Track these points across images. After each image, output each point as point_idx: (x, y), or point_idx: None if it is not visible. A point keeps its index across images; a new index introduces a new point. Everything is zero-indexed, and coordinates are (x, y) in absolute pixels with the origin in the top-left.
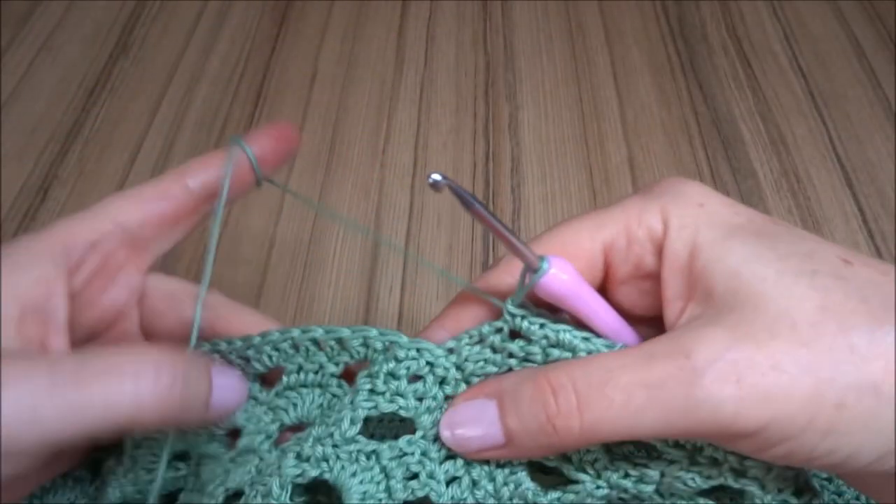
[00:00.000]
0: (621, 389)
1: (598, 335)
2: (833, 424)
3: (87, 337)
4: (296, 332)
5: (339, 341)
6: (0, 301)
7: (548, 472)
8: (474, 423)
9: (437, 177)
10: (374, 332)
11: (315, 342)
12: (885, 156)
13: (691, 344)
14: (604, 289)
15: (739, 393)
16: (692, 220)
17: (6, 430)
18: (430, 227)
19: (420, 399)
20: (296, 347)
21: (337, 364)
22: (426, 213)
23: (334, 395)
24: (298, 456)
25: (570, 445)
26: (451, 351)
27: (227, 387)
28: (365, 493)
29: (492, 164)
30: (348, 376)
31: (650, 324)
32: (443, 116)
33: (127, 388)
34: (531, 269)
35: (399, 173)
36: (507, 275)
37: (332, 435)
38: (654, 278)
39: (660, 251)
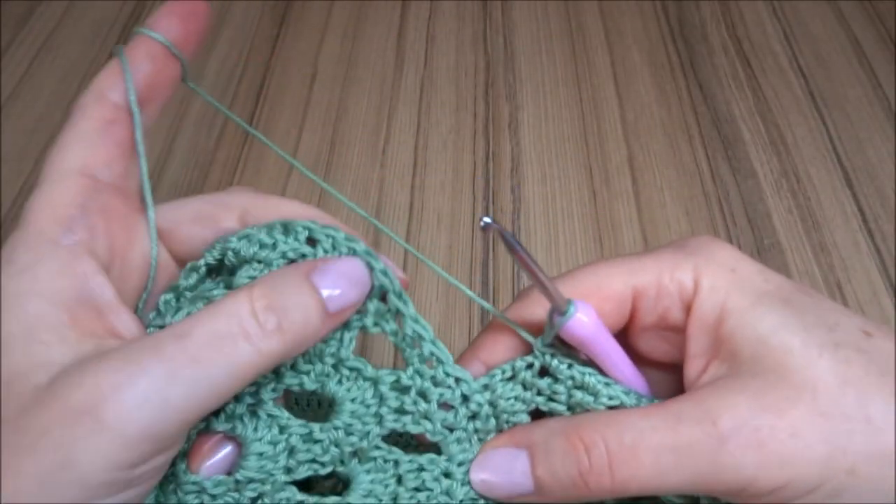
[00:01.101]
0: (651, 451)
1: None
2: (843, 487)
3: (139, 295)
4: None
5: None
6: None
7: None
8: (505, 471)
9: (487, 220)
10: (428, 336)
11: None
12: (885, 156)
13: (717, 409)
14: (625, 332)
15: (760, 458)
16: (724, 283)
17: (150, 426)
18: (430, 227)
19: (450, 429)
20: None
21: (375, 325)
22: (426, 213)
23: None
24: (312, 460)
25: (599, 497)
26: (486, 387)
27: (339, 281)
28: (371, 491)
29: (492, 164)
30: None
31: (664, 370)
32: (443, 116)
33: (242, 349)
34: (558, 312)
35: (399, 173)
36: (538, 306)
37: (352, 444)
38: (677, 331)
39: (686, 307)
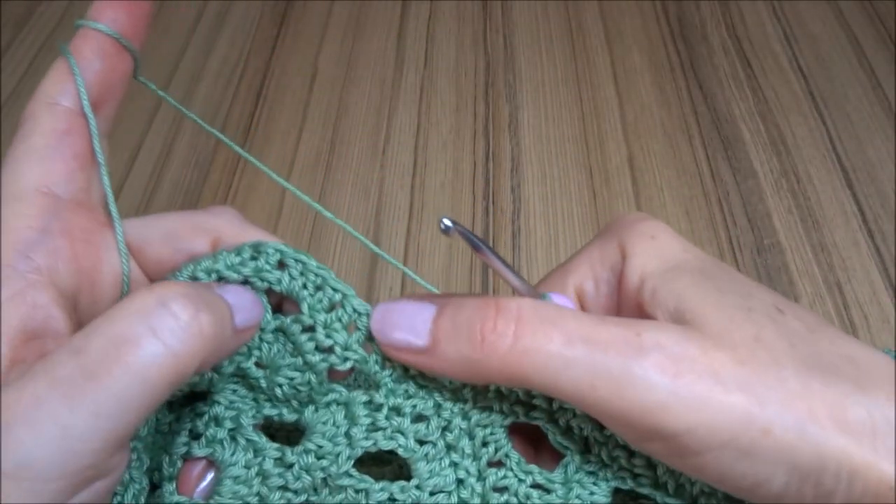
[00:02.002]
0: (564, 333)
1: None
2: (754, 448)
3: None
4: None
5: (370, 334)
6: None
7: None
8: (407, 319)
9: (448, 222)
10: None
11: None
12: (885, 156)
13: (644, 327)
14: None
15: (675, 386)
16: (642, 249)
17: (60, 463)
18: (430, 227)
19: (421, 442)
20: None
21: (345, 360)
22: (426, 213)
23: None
24: (285, 487)
25: (489, 370)
26: (458, 396)
27: (242, 302)
28: None
29: (492, 164)
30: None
31: None
32: (443, 116)
33: (151, 348)
34: None
35: (399, 173)
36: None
37: (323, 468)
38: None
39: (617, 278)
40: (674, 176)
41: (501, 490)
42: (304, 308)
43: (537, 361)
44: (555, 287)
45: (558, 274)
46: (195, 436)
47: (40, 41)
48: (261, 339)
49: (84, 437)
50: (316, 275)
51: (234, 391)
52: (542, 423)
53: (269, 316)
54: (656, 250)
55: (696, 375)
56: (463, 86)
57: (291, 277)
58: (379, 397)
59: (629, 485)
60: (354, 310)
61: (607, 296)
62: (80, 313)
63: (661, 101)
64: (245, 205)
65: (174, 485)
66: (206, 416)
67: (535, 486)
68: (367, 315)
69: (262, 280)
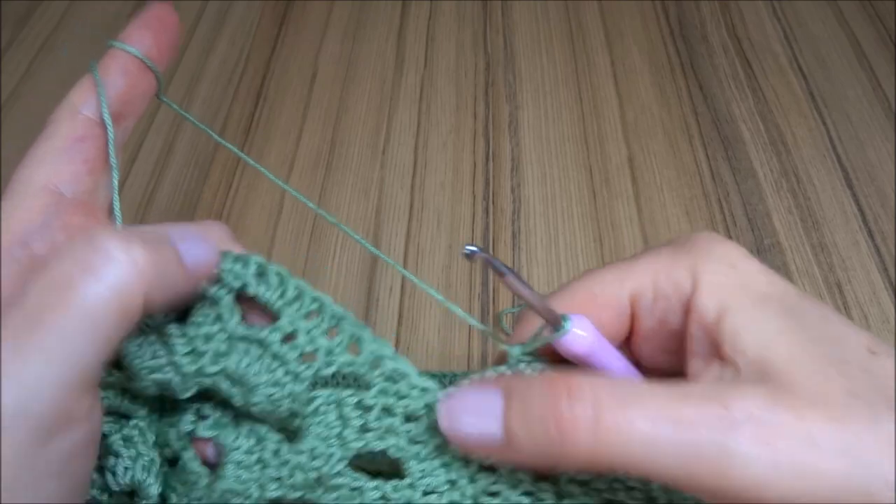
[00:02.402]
0: (649, 416)
1: None
2: None
3: None
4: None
5: (353, 338)
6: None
7: None
8: (475, 413)
9: (472, 248)
10: (389, 354)
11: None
12: (885, 156)
13: (730, 395)
14: (628, 341)
15: (774, 458)
16: (724, 279)
17: (13, 416)
18: (430, 227)
19: (413, 442)
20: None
21: (329, 365)
22: (426, 213)
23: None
24: (279, 481)
25: (571, 462)
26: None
27: (193, 246)
28: None
29: (492, 164)
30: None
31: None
32: (443, 116)
33: (90, 288)
34: (553, 328)
35: (399, 173)
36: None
37: (317, 468)
38: (678, 337)
39: (685, 308)
40: (674, 176)
41: (493, 494)
42: (284, 317)
43: (623, 450)
44: (610, 286)
45: (616, 272)
46: (202, 416)
47: (40, 41)
48: (229, 347)
49: (40, 384)
50: (294, 287)
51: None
52: None
53: (235, 322)
54: (739, 281)
55: (793, 443)
56: (463, 86)
57: (269, 287)
58: (369, 398)
59: (621, 497)
60: (333, 316)
61: (662, 313)
62: None
63: (661, 101)
64: (245, 205)
65: (192, 451)
66: (213, 400)
67: (527, 493)
68: (346, 319)
69: (237, 280)
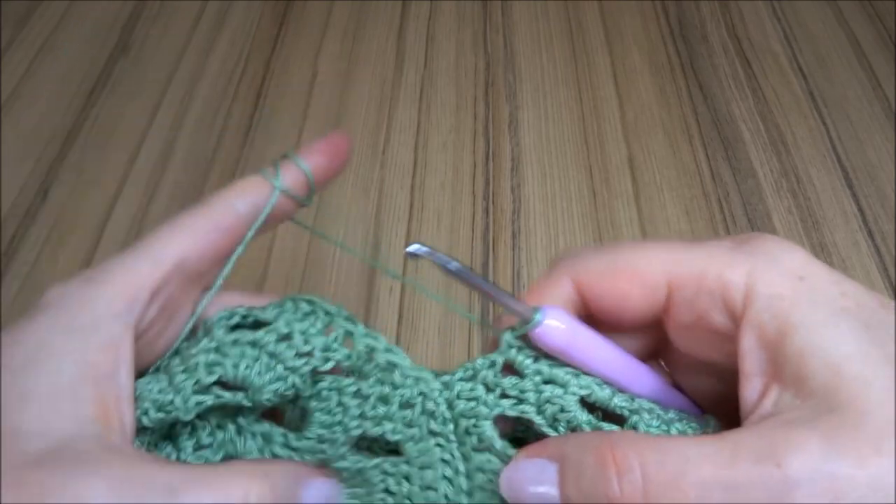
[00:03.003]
0: (698, 485)
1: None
2: None
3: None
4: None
5: (347, 333)
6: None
7: None
8: (534, 482)
9: (414, 248)
10: (381, 346)
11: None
12: (885, 156)
13: (783, 448)
14: (658, 325)
15: None
16: (789, 292)
17: None
18: (430, 227)
19: (409, 426)
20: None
21: (326, 361)
22: (426, 213)
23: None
24: (294, 449)
25: None
26: (445, 385)
27: (319, 496)
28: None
29: (492, 164)
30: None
31: (705, 371)
32: (443, 116)
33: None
34: (524, 322)
35: (399, 173)
36: (557, 287)
37: (323, 451)
38: (717, 334)
39: (730, 311)
40: (674, 176)
41: (486, 471)
42: (281, 319)
43: None
44: (653, 264)
45: (666, 253)
46: (200, 447)
47: (40, 41)
48: (222, 355)
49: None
50: (290, 300)
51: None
52: (532, 415)
53: (222, 333)
54: (808, 295)
55: (859, 496)
56: (463, 86)
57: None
58: (366, 388)
59: None
60: (327, 312)
61: (704, 311)
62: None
63: (661, 101)
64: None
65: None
66: (207, 428)
67: None
68: (338, 315)
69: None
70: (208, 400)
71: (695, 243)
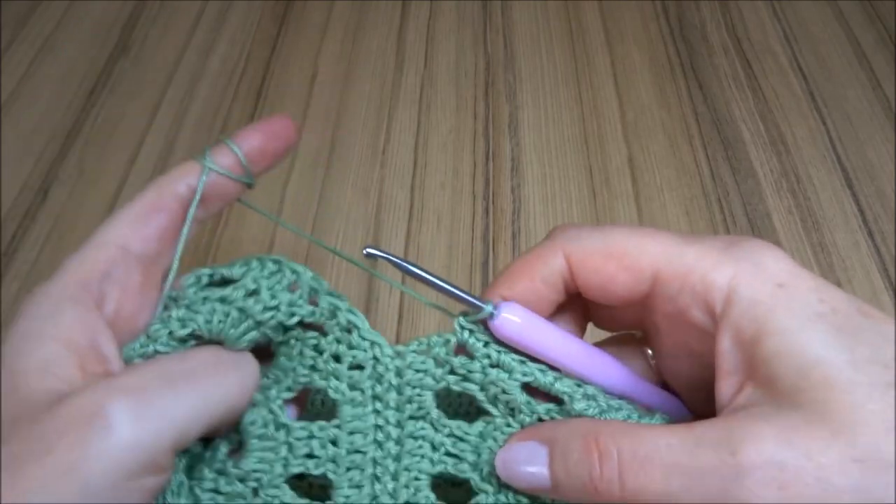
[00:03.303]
0: (662, 469)
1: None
2: None
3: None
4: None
5: (312, 291)
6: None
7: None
8: (527, 463)
9: (371, 251)
10: (343, 306)
11: (289, 283)
12: (885, 156)
13: (740, 438)
14: (644, 307)
15: (783, 499)
16: (768, 298)
17: (150, 435)
18: (430, 227)
19: (353, 388)
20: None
21: (292, 315)
22: (426, 213)
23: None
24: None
25: (612, 502)
26: (398, 354)
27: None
28: (261, 458)
29: (492, 164)
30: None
31: (686, 364)
32: (443, 116)
33: (232, 378)
34: (482, 317)
35: (399, 173)
36: (527, 278)
37: (272, 393)
38: (696, 328)
39: (710, 310)
40: (674, 176)
41: (417, 438)
42: (248, 276)
43: (647, 498)
44: (645, 256)
45: (659, 245)
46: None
47: (40, 41)
48: (193, 311)
49: (173, 421)
50: (257, 259)
51: None
52: (475, 392)
53: (192, 292)
54: (785, 301)
55: (803, 486)
56: (463, 86)
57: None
58: (324, 343)
59: None
60: (293, 271)
61: (685, 306)
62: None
63: (661, 101)
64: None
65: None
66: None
67: (451, 436)
68: (305, 273)
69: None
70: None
71: (688, 239)
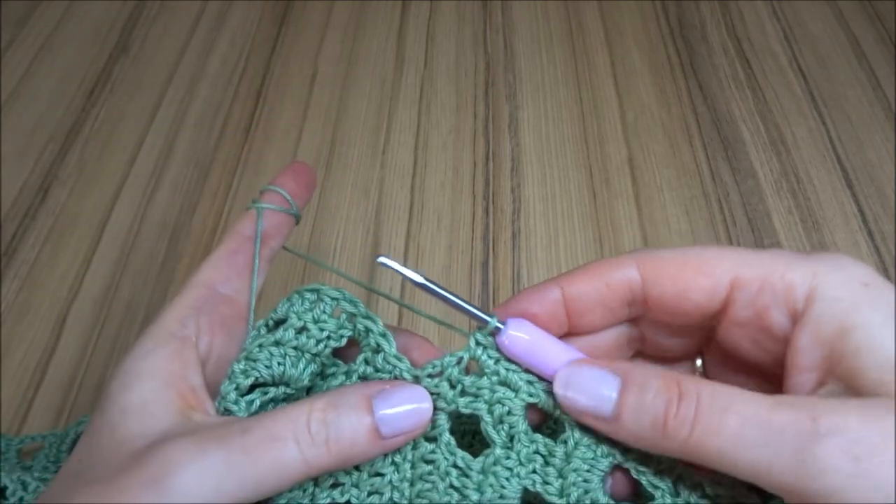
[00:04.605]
0: (739, 418)
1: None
2: None
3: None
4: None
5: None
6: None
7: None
8: (592, 388)
9: (383, 260)
10: (377, 329)
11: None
12: (885, 156)
13: (821, 410)
14: (716, 321)
15: (854, 470)
16: (851, 295)
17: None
18: (430, 227)
19: None
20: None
21: (341, 338)
22: (426, 213)
23: (324, 365)
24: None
25: (667, 449)
26: (416, 378)
27: (399, 410)
28: (289, 499)
29: (492, 164)
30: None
31: (750, 374)
32: (443, 116)
33: (290, 452)
34: (488, 332)
35: (399, 173)
36: (585, 283)
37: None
38: (771, 334)
39: (791, 311)
40: (674, 176)
41: (429, 462)
42: (293, 315)
43: (713, 448)
44: (721, 264)
45: (733, 254)
46: None
47: (40, 41)
48: (252, 360)
49: (226, 493)
50: (296, 293)
51: None
52: (483, 412)
53: (263, 331)
54: (870, 298)
55: (877, 462)
56: (463, 86)
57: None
58: (353, 366)
59: (540, 488)
60: (333, 298)
61: (763, 308)
62: (205, 377)
63: (661, 101)
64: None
65: None
66: None
67: (455, 466)
68: (345, 298)
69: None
70: (257, 399)
71: (760, 249)
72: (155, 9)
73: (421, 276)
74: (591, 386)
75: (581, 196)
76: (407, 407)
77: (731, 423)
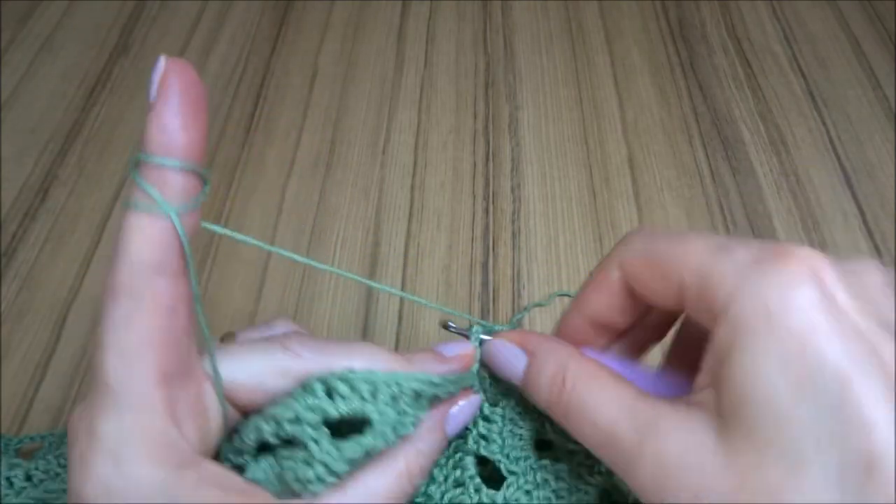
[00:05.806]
0: (606, 399)
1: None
2: None
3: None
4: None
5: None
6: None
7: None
8: (508, 358)
9: (452, 326)
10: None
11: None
12: (885, 156)
13: (655, 426)
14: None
15: (658, 488)
16: (753, 313)
17: None
18: (430, 227)
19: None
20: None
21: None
22: (426, 213)
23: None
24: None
25: (553, 413)
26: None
27: (464, 419)
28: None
29: (492, 164)
30: None
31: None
32: (443, 116)
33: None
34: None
35: (399, 173)
36: (599, 293)
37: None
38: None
39: (711, 317)
40: (674, 176)
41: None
42: (375, 418)
43: (575, 417)
44: (686, 264)
45: (701, 254)
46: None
47: (40, 41)
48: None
49: None
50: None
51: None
52: (498, 455)
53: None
54: (766, 320)
55: (680, 487)
56: (463, 86)
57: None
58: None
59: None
60: (365, 381)
61: (705, 311)
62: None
63: (661, 101)
64: (245, 205)
65: None
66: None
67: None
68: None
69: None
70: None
71: (725, 246)
72: (155, 9)
73: (479, 332)
74: (505, 361)
75: (581, 196)
76: (470, 414)
77: (599, 401)
